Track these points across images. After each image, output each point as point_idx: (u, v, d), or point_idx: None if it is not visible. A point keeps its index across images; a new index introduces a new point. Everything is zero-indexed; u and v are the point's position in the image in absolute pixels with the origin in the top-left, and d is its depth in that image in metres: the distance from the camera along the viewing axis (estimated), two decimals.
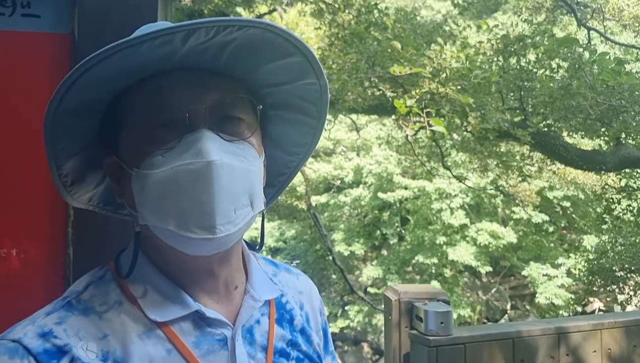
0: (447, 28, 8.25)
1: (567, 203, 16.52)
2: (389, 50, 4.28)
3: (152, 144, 0.79)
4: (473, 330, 2.07)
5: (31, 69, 1.35)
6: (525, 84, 4.88)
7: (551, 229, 17.32)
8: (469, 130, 4.66)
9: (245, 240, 0.97)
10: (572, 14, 7.70)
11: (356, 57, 4.48)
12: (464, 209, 16.94)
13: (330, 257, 11.96)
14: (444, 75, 4.10)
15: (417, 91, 3.96)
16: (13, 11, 1.35)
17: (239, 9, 10.09)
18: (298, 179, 14.43)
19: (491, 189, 12.03)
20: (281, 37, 0.81)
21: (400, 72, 3.73)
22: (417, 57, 4.12)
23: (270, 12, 9.47)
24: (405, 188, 17.22)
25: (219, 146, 0.78)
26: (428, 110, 3.78)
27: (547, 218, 16.70)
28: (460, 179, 8.56)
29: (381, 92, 4.81)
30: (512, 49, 5.10)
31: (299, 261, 18.82)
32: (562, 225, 17.57)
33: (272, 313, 0.93)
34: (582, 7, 8.61)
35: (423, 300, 1.96)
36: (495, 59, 5.27)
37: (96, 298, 0.83)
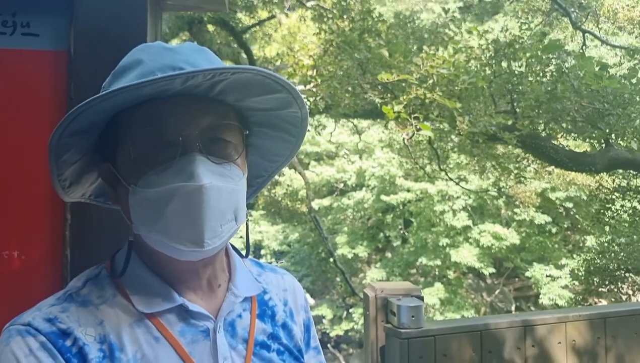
0: (447, 31, 8.32)
1: (569, 204, 16.50)
2: (380, 58, 4.39)
3: (148, 164, 0.87)
4: (443, 324, 2.18)
5: (31, 84, 1.47)
6: (517, 87, 4.98)
7: (554, 230, 17.30)
8: (460, 133, 4.77)
9: (233, 246, 1.08)
10: (567, 17, 7.81)
11: (347, 64, 4.58)
12: (467, 211, 16.95)
13: (332, 260, 12.04)
14: (431, 81, 4.21)
15: (405, 97, 4.07)
16: (14, 31, 1.47)
17: (240, 15, 10.20)
18: (299, 182, 14.51)
19: (489, 191, 12.04)
20: (269, 79, 0.92)
21: (387, 79, 3.84)
22: (404, 64, 4.23)
23: (269, 18, 9.57)
24: (408, 190, 17.21)
25: (209, 169, 0.87)
26: (416, 115, 3.88)
27: (549, 219, 16.71)
28: (456, 181, 8.64)
29: (374, 97, 4.93)
30: (502, 54, 5.20)
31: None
32: (566, 226, 17.54)
33: (254, 309, 1.02)
34: (577, 10, 8.68)
35: (398, 296, 2.08)
36: (487, 63, 5.37)
37: (93, 293, 0.92)
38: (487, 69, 5.36)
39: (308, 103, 5.17)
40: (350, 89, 4.86)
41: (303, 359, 1.07)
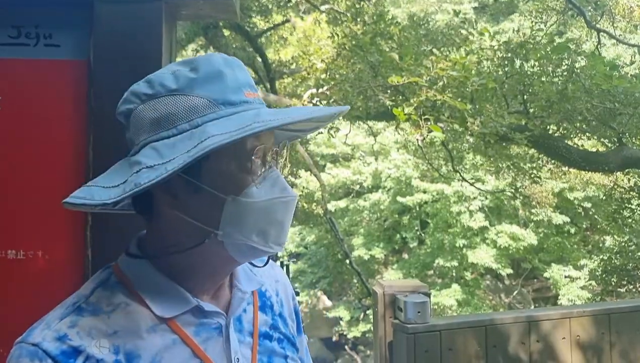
0: (461, 31, 8.32)
1: (588, 204, 16.31)
2: (391, 61, 4.45)
3: (247, 175, 0.93)
4: (449, 319, 2.22)
5: (53, 92, 1.56)
6: (529, 88, 5.00)
7: (573, 230, 17.13)
8: (473, 134, 4.80)
9: None
10: (582, 16, 7.78)
11: (359, 68, 4.64)
12: (483, 212, 16.86)
13: (348, 261, 12.08)
14: (441, 83, 4.25)
15: (415, 99, 4.13)
16: (37, 42, 1.56)
17: (255, 20, 10.30)
18: (315, 184, 14.56)
19: (505, 191, 11.96)
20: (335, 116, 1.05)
21: (398, 82, 3.89)
22: (414, 66, 4.28)
23: (283, 22, 9.66)
24: (424, 191, 17.14)
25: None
26: (426, 116, 3.93)
27: (568, 219, 16.55)
28: (470, 182, 8.63)
29: (385, 99, 4.99)
30: (515, 54, 5.22)
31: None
32: (585, 226, 17.33)
33: (256, 302, 1.07)
34: (591, 9, 8.62)
35: (405, 292, 2.12)
36: (499, 64, 5.40)
37: (103, 300, 0.93)
38: (499, 70, 5.38)
39: (321, 105, 5.24)
40: (362, 91, 4.92)
41: (297, 344, 1.14)
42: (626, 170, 7.30)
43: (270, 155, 0.97)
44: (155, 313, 0.92)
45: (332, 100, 5.07)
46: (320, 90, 5.24)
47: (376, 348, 2.29)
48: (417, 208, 18.14)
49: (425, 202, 17.46)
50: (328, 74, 5.03)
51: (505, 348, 2.16)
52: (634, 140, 5.68)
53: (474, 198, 16.35)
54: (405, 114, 3.82)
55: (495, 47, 5.42)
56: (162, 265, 0.98)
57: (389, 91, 4.88)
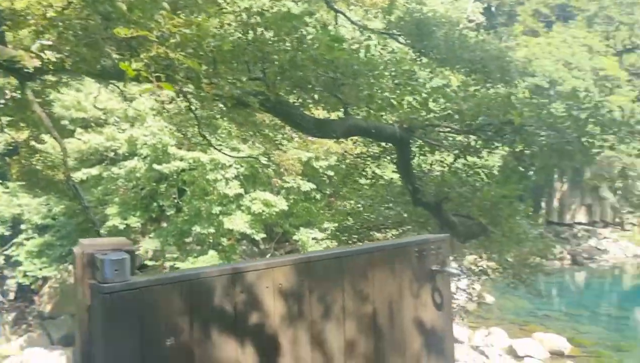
0: None
1: (331, 173, 17.85)
2: (123, 14, 4.23)
3: None
4: (151, 276, 2.22)
5: None
6: (267, 55, 5.26)
7: (318, 196, 18.64)
8: (207, 97, 4.87)
9: None
10: None
11: (92, 19, 4.32)
12: (239, 179, 17.33)
13: (95, 230, 11.38)
14: (173, 40, 4.19)
15: (145, 55, 4.01)
16: None
17: None
18: (58, 150, 13.30)
19: (255, 158, 12.44)
20: None
21: (125, 34, 3.72)
22: (144, 20, 4.13)
23: None
24: (181, 159, 16.96)
25: None
26: (158, 74, 3.84)
27: (314, 186, 17.95)
28: (217, 148, 8.79)
29: (112, 52, 4.75)
30: (255, 22, 5.42)
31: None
32: (329, 192, 18.98)
33: None
34: None
35: (105, 251, 2.04)
36: (243, 31, 5.56)
37: None
38: (243, 36, 5.53)
39: (44, 56, 4.74)
40: (91, 43, 4.59)
41: None
42: (354, 139, 8.17)
43: None
44: None
45: (58, 51, 4.64)
46: (47, 41, 4.74)
47: (76, 313, 2.17)
48: (175, 176, 17.88)
49: (183, 170, 17.29)
50: (51, 22, 4.56)
51: (211, 301, 2.21)
52: (354, 110, 6.34)
53: (230, 166, 16.68)
54: (134, 70, 3.65)
55: (236, 13, 5.54)
56: None
57: (121, 45, 4.63)
